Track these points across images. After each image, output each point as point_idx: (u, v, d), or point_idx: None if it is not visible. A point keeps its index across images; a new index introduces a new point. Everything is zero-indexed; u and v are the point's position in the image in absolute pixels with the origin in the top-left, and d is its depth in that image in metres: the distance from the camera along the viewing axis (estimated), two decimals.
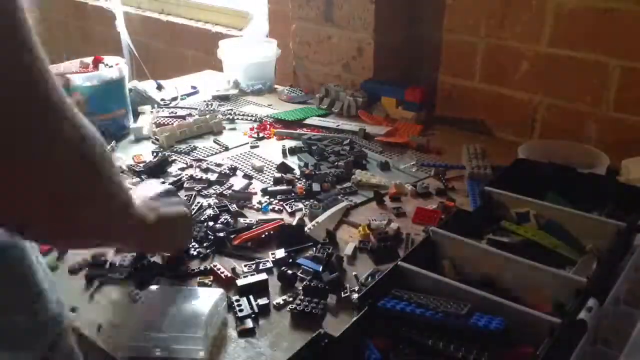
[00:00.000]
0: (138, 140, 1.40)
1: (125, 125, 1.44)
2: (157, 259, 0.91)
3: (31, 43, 0.42)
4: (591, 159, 1.16)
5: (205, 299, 0.78)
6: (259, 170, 1.23)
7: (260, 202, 1.09)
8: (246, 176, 1.20)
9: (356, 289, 0.84)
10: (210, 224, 1.00)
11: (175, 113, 1.56)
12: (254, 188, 1.15)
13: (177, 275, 0.89)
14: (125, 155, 1.31)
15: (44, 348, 0.57)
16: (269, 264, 0.90)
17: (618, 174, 1.11)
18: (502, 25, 1.39)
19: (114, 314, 0.81)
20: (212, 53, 1.81)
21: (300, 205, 1.09)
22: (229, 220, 1.01)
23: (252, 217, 1.04)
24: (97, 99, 1.36)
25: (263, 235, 0.97)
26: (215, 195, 1.11)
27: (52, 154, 0.44)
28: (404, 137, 1.40)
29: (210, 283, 0.87)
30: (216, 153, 1.34)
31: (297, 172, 1.22)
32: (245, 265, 0.90)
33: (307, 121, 1.49)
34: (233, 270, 0.89)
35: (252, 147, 1.37)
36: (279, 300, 0.83)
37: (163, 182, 0.99)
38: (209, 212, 1.04)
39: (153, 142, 1.39)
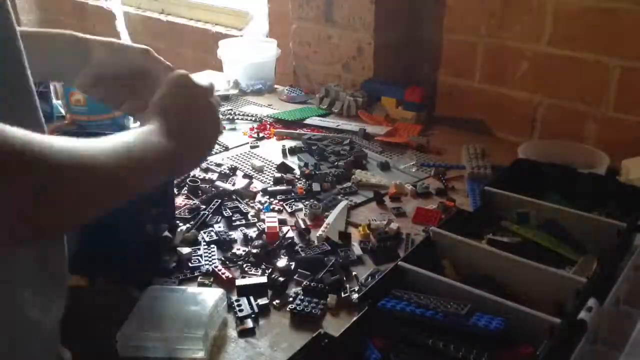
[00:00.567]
0: None
1: (125, 126, 1.44)
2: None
3: None
4: (591, 159, 1.16)
5: (205, 299, 0.78)
6: (259, 170, 1.23)
7: (261, 202, 1.09)
8: (246, 176, 1.20)
9: (356, 289, 0.84)
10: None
11: None
12: (255, 187, 1.15)
13: (178, 276, 0.89)
14: None
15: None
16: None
17: (618, 174, 1.11)
18: (502, 25, 1.39)
19: (115, 314, 0.81)
20: (212, 53, 1.81)
21: (301, 205, 1.09)
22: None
23: (254, 215, 1.04)
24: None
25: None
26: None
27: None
28: (404, 137, 1.40)
29: (210, 283, 0.87)
30: (216, 153, 1.34)
31: (297, 172, 1.22)
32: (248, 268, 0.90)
33: (307, 121, 1.49)
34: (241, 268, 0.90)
35: (252, 147, 1.37)
36: (278, 300, 0.83)
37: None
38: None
39: None
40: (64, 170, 0.44)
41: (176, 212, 1.04)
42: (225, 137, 1.42)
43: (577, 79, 1.31)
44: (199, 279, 0.88)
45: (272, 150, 1.34)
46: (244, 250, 0.94)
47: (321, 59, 1.67)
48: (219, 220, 1.03)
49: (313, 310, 0.80)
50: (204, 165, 1.25)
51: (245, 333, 0.77)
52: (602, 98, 1.29)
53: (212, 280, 0.88)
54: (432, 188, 1.15)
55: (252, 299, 0.82)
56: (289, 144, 1.35)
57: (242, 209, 1.06)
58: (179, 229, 0.98)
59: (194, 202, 1.09)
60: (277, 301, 0.83)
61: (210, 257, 0.93)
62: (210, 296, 0.79)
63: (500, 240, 0.86)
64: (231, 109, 1.58)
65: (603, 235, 0.83)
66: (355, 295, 0.82)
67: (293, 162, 1.27)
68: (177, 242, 0.95)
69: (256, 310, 0.81)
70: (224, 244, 0.96)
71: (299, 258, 0.91)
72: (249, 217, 1.04)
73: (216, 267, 0.90)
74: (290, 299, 0.83)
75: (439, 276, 0.75)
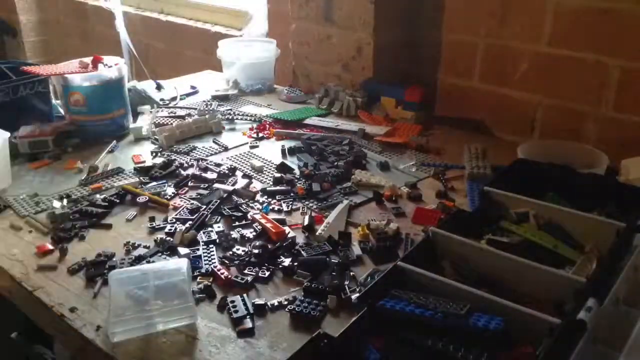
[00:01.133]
0: (137, 140, 1.40)
1: (125, 126, 1.44)
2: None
3: None
4: (591, 159, 1.16)
5: (177, 269, 0.82)
6: (259, 170, 1.23)
7: (260, 202, 1.09)
8: (246, 176, 1.20)
9: (356, 289, 0.84)
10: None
11: (175, 113, 1.56)
12: (254, 187, 1.15)
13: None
14: (124, 156, 1.30)
15: None
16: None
17: (617, 174, 1.11)
18: (502, 25, 1.39)
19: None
20: (212, 53, 1.81)
21: (300, 205, 1.09)
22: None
23: (255, 216, 1.04)
24: (96, 99, 1.36)
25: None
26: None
27: None
28: (404, 137, 1.40)
29: (210, 284, 0.87)
30: (216, 153, 1.33)
31: (297, 172, 1.22)
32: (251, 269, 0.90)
33: (307, 121, 1.49)
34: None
35: (251, 147, 1.37)
36: (274, 302, 0.83)
37: None
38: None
39: (152, 142, 1.39)
40: None
41: (176, 212, 1.05)
42: (224, 137, 1.42)
43: (577, 79, 1.31)
44: (198, 279, 0.87)
45: (272, 151, 1.34)
46: (243, 250, 0.94)
47: (321, 59, 1.67)
48: (218, 220, 1.03)
49: (312, 312, 0.79)
50: (203, 165, 1.25)
51: (244, 333, 0.77)
52: (602, 98, 1.29)
53: (211, 280, 0.87)
54: (429, 189, 1.15)
55: (246, 298, 0.82)
56: (289, 144, 1.35)
57: (242, 209, 1.06)
58: (178, 229, 0.98)
59: (194, 202, 1.09)
60: (281, 299, 0.83)
61: (209, 257, 0.93)
62: (179, 266, 0.83)
63: (499, 240, 0.86)
64: (230, 109, 1.58)
65: (602, 236, 0.83)
66: (354, 296, 0.82)
67: (293, 162, 1.27)
68: (177, 242, 0.96)
69: (251, 310, 0.80)
70: (223, 244, 0.96)
71: (301, 259, 0.91)
72: (249, 217, 1.04)
73: (215, 267, 0.89)
74: (290, 298, 0.83)
75: (439, 276, 0.74)
